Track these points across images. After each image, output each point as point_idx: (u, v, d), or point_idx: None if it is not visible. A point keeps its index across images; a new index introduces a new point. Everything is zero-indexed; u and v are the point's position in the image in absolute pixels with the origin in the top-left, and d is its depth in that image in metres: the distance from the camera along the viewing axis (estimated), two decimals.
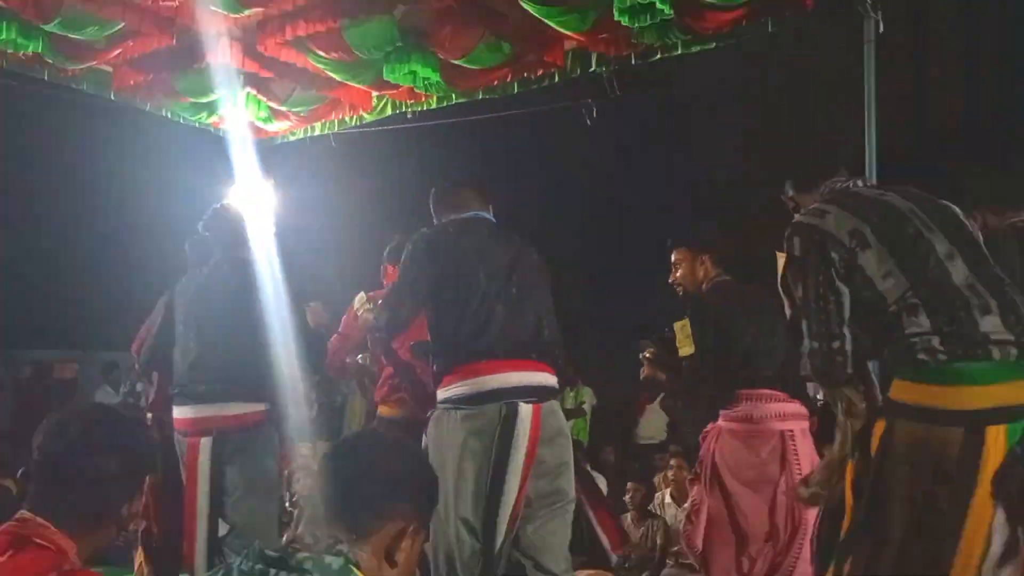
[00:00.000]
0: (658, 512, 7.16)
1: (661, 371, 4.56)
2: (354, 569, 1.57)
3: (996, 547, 0.98)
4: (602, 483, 7.79)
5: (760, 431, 4.17)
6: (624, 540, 4.58)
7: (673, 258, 4.55)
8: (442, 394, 3.42)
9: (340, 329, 4.86)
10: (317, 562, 1.55)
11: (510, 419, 3.28)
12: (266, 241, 4.85)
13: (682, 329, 4.31)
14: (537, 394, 3.36)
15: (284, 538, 5.99)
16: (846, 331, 2.49)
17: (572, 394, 10.19)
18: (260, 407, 4.16)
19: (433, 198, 3.77)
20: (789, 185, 3.05)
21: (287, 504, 6.65)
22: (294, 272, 4.58)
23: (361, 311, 4.30)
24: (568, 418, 9.85)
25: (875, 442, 2.45)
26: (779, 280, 2.87)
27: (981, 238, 2.65)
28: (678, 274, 4.50)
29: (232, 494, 4.07)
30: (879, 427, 2.45)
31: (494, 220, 3.70)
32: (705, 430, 4.45)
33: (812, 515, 3.92)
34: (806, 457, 4.09)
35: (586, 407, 10.36)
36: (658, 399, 9.41)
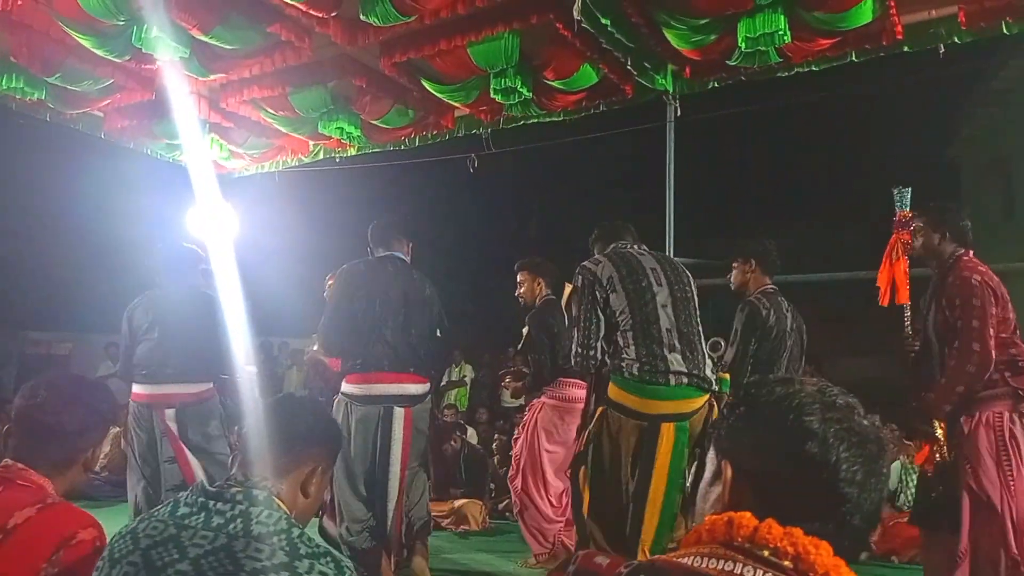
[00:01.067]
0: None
1: (518, 385, 4.81)
2: (275, 498, 1.52)
3: (708, 474, 1.06)
4: (473, 436, 7.86)
5: (572, 408, 4.31)
6: None
7: (519, 278, 4.66)
8: (344, 388, 3.56)
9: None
10: (247, 494, 1.49)
11: (387, 418, 3.45)
12: (224, 253, 4.75)
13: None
14: (409, 401, 3.51)
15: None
16: (598, 344, 2.94)
17: (457, 369, 10.21)
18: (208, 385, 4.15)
19: (370, 230, 3.85)
20: (592, 241, 3.38)
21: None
22: (246, 278, 4.50)
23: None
24: (453, 387, 9.93)
25: (594, 419, 2.94)
26: (564, 302, 3.50)
27: (696, 295, 3.12)
28: (521, 290, 4.65)
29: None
30: (599, 412, 2.94)
31: (404, 259, 3.76)
32: (531, 403, 4.62)
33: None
34: None
35: (467, 379, 10.39)
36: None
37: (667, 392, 2.86)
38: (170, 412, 4.00)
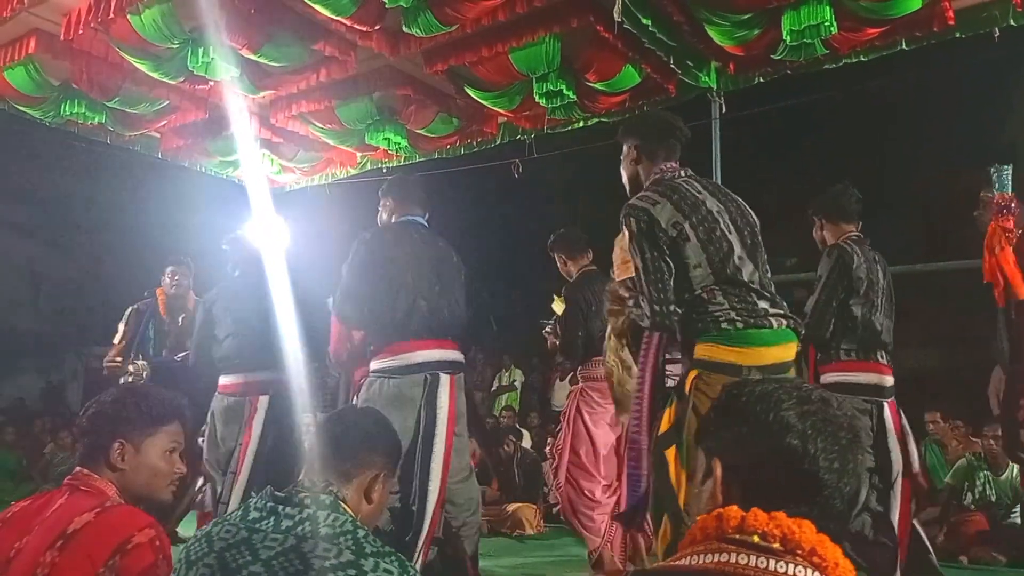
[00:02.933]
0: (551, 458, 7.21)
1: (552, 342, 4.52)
2: (341, 503, 1.58)
3: (698, 475, 1.12)
4: (527, 440, 7.86)
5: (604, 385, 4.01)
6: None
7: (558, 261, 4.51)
8: (376, 365, 3.23)
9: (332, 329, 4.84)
10: (313, 498, 1.56)
11: (433, 386, 3.13)
12: (278, 262, 4.85)
13: (557, 304, 4.39)
14: (452, 367, 3.22)
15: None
16: (673, 298, 2.41)
17: (507, 374, 10.25)
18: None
19: (384, 190, 3.56)
20: (624, 134, 2.78)
21: None
22: (298, 285, 4.58)
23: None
24: (503, 392, 9.93)
25: (686, 388, 2.38)
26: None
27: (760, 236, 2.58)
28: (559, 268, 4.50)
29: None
30: (689, 379, 2.38)
31: (425, 224, 3.48)
32: (571, 392, 4.44)
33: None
34: None
35: (516, 384, 10.41)
36: (568, 377, 9.44)
37: (773, 336, 2.38)
38: (264, 399, 3.94)
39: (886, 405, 3.31)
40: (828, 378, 3.34)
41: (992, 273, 3.29)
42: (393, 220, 3.47)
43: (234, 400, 3.97)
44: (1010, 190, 3.19)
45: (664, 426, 2.41)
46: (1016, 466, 5.36)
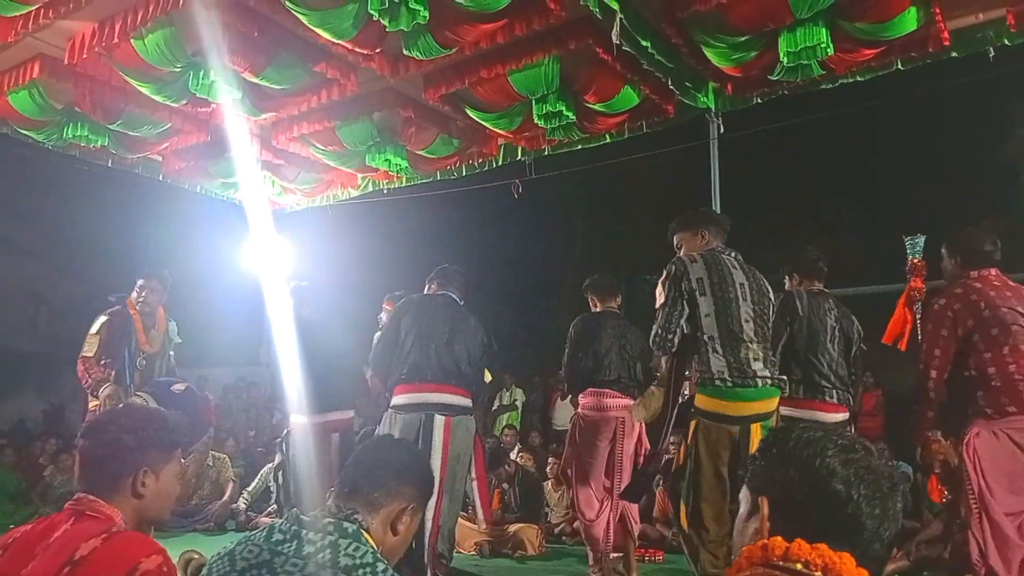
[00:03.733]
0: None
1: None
2: (363, 532, 1.56)
3: (743, 510, 1.18)
4: (528, 461, 7.80)
5: (604, 416, 4.41)
6: (489, 510, 5.14)
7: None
8: (392, 402, 3.80)
9: None
10: (337, 525, 1.54)
11: (428, 425, 3.64)
12: (279, 287, 4.87)
13: None
14: (449, 410, 3.73)
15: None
16: (678, 329, 3.02)
17: (508, 393, 10.21)
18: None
19: (433, 274, 4.18)
20: (682, 226, 3.37)
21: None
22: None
23: None
24: (504, 411, 9.90)
25: (690, 433, 3.01)
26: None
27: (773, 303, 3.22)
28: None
29: None
30: (692, 425, 3.01)
31: (455, 297, 4.05)
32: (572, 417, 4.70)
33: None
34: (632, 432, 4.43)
35: (518, 403, 10.36)
36: (568, 397, 9.40)
37: (755, 393, 2.96)
38: (336, 437, 4.36)
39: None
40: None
41: (899, 322, 3.87)
42: (432, 291, 4.11)
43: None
44: (920, 256, 3.83)
45: (679, 460, 3.06)
46: None
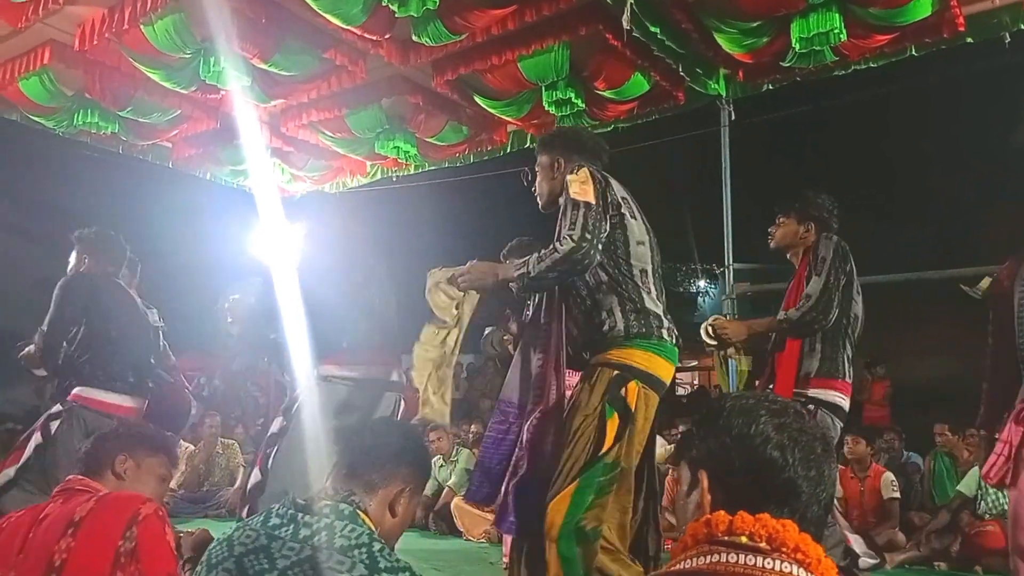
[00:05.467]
0: None
1: None
2: (360, 514, 1.56)
3: (684, 486, 1.18)
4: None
5: None
6: None
7: None
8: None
9: None
10: (333, 507, 1.54)
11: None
12: (287, 274, 4.86)
13: None
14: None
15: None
16: (603, 240, 2.26)
17: None
18: None
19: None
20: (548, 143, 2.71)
21: None
22: (309, 299, 4.59)
23: None
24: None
25: (633, 400, 2.22)
26: None
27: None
28: None
29: None
30: (632, 389, 2.22)
31: None
32: None
33: None
34: None
35: None
36: None
37: (676, 353, 2.32)
38: None
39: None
40: (826, 395, 3.12)
41: None
42: None
43: None
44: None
45: (609, 441, 2.17)
46: None
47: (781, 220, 3.41)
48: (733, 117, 5.97)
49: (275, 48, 5.11)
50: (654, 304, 2.30)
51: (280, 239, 7.41)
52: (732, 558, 0.97)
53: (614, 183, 2.39)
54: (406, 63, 5.41)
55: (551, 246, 2.23)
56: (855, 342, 3.24)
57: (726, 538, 1.00)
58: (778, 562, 0.96)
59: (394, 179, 7.74)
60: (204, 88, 5.51)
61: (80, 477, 2.01)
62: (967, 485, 5.53)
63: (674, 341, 2.31)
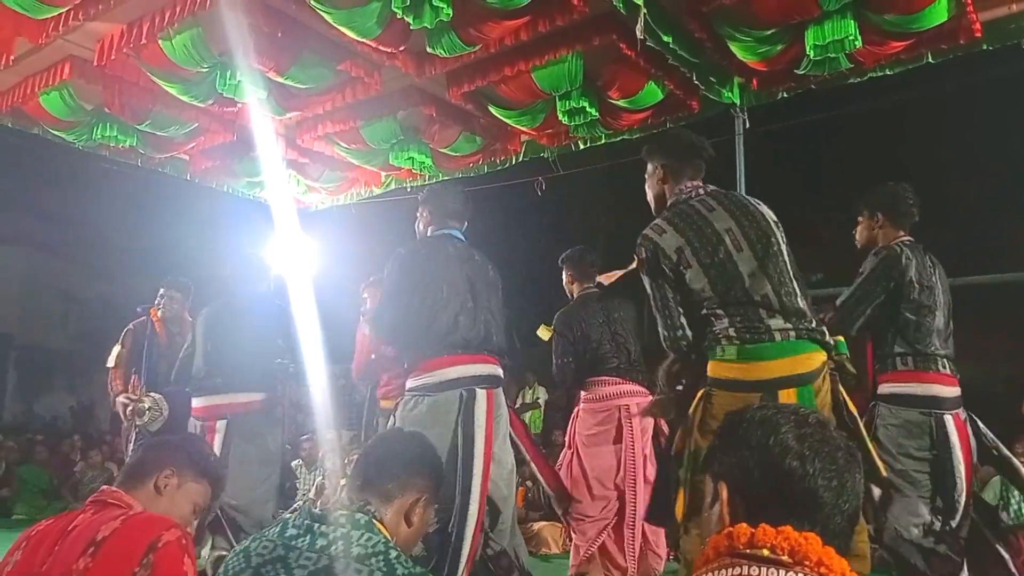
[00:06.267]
0: None
1: None
2: (376, 523, 1.57)
3: (707, 499, 1.17)
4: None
5: (607, 407, 4.09)
6: (556, 479, 3.97)
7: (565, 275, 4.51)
8: (411, 384, 3.11)
9: (357, 345, 4.87)
10: (349, 517, 1.55)
11: (469, 401, 3.00)
12: (303, 285, 4.89)
13: (543, 331, 4.40)
14: (490, 382, 3.11)
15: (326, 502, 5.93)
16: (684, 321, 2.48)
17: (530, 391, 10.23)
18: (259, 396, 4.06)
19: (426, 196, 3.46)
20: (650, 152, 2.80)
21: (320, 477, 6.60)
22: (325, 309, 4.60)
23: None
24: (526, 410, 9.89)
25: (693, 407, 2.41)
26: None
27: (783, 242, 2.55)
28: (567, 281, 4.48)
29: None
30: (698, 395, 2.43)
31: (462, 237, 3.39)
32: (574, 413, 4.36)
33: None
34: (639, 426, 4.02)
35: (540, 401, 10.38)
36: None
37: (775, 350, 2.34)
38: (221, 424, 3.89)
39: (950, 418, 3.15)
40: (884, 389, 3.24)
41: None
42: (429, 233, 3.39)
43: (199, 424, 3.99)
44: None
45: (678, 443, 2.47)
46: None
47: (859, 219, 3.53)
48: (747, 125, 5.95)
49: (291, 61, 5.15)
50: (721, 321, 2.42)
51: (296, 250, 7.48)
52: (754, 571, 0.96)
53: (670, 232, 2.51)
54: (421, 75, 5.44)
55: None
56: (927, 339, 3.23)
57: (748, 551, 0.99)
58: (800, 575, 0.95)
59: (409, 190, 7.77)
60: (221, 101, 5.56)
61: (114, 490, 1.96)
62: (990, 493, 5.47)
63: (756, 337, 2.37)
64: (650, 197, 2.78)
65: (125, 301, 5.52)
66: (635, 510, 3.98)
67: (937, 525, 3.09)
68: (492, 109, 5.85)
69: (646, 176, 2.78)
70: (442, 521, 2.84)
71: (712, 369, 2.42)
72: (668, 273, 2.48)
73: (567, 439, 4.39)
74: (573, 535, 4.22)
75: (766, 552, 0.98)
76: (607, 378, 4.13)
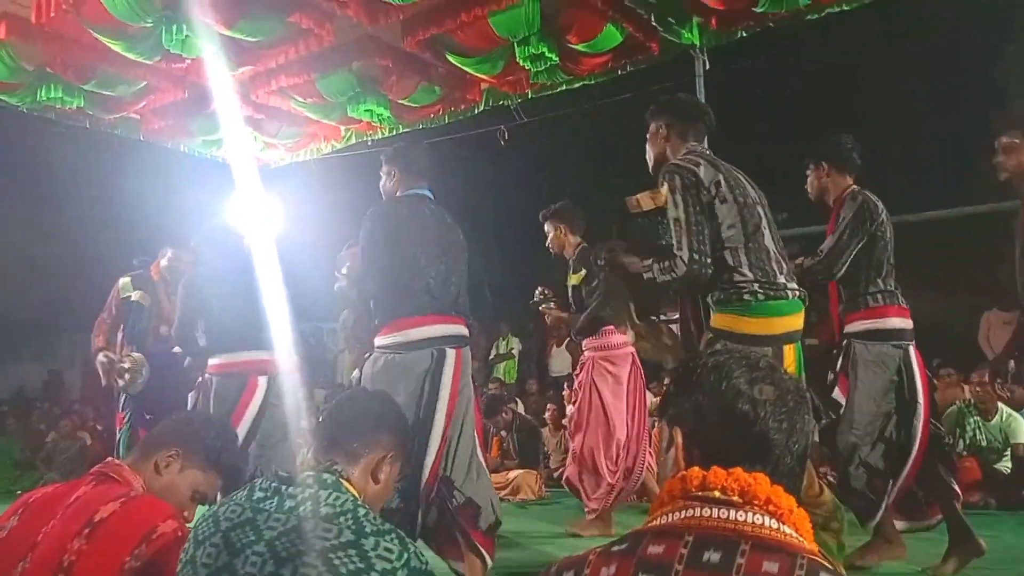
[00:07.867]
0: (567, 426, 7.25)
1: (563, 315, 4.68)
2: (343, 482, 1.58)
3: (663, 443, 1.22)
4: (521, 408, 7.90)
5: (617, 354, 4.34)
6: None
7: (546, 228, 4.55)
8: (380, 341, 3.14)
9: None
10: (316, 478, 1.55)
11: (439, 361, 3.06)
12: (265, 241, 4.79)
13: (575, 278, 4.44)
14: (458, 341, 3.17)
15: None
16: (709, 251, 2.52)
17: (504, 342, 10.27)
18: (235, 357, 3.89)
19: (392, 154, 3.43)
20: (655, 113, 2.88)
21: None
22: (288, 266, 4.52)
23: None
24: (501, 360, 9.94)
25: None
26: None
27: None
28: (550, 241, 4.52)
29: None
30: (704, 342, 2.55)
31: (432, 196, 3.39)
32: (582, 362, 4.51)
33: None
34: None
35: (514, 352, 10.43)
36: (564, 343, 9.39)
37: (788, 307, 2.53)
38: (263, 379, 3.80)
39: (912, 349, 3.35)
40: (857, 327, 3.35)
41: None
42: (399, 193, 3.37)
43: (225, 379, 3.92)
44: None
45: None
46: (1007, 410, 5.40)
47: (808, 172, 3.62)
48: (708, 67, 5.91)
49: (238, 13, 4.98)
50: (742, 273, 2.52)
51: (258, 209, 7.33)
52: (706, 512, 1.00)
53: (705, 166, 2.57)
54: (375, 24, 5.29)
55: (668, 262, 2.54)
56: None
57: (700, 493, 1.03)
58: (750, 514, 0.99)
59: (369, 143, 7.64)
60: (169, 58, 5.38)
61: (118, 463, 1.92)
62: (946, 423, 5.64)
63: (774, 294, 2.51)
64: (650, 156, 2.85)
65: (86, 265, 5.35)
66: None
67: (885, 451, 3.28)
68: (450, 57, 5.74)
69: (648, 135, 2.85)
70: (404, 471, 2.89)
71: (723, 321, 2.52)
72: (703, 201, 2.53)
73: (582, 390, 4.50)
74: (584, 497, 4.45)
75: (717, 493, 1.01)
76: (611, 327, 4.36)
